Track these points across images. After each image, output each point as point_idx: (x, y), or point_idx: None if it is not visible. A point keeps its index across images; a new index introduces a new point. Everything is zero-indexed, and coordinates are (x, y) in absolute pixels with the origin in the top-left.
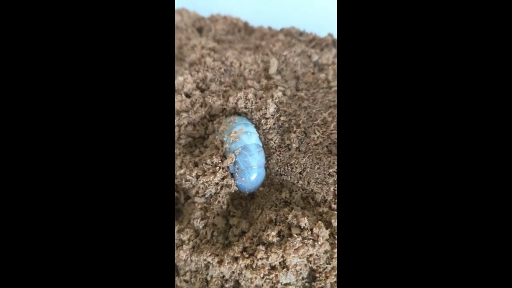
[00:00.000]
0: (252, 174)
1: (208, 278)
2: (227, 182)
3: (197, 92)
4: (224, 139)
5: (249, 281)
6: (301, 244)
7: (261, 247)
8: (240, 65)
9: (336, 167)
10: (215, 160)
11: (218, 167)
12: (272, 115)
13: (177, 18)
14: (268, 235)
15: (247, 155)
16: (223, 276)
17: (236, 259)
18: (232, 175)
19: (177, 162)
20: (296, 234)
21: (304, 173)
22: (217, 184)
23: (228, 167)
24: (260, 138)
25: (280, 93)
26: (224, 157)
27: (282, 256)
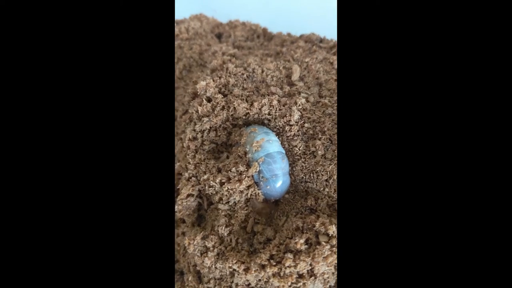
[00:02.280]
0: (277, 181)
1: (233, 286)
2: (254, 192)
3: (219, 96)
4: (247, 149)
5: None
6: (329, 252)
7: (289, 255)
8: (262, 71)
9: None
10: (241, 168)
11: (243, 175)
12: (296, 122)
13: (196, 24)
14: (296, 243)
15: (271, 163)
16: (249, 284)
17: (263, 266)
18: (257, 184)
19: (202, 167)
20: (324, 242)
21: (331, 181)
22: (241, 192)
23: (252, 176)
24: (283, 145)
25: (303, 100)
26: (248, 166)
27: (311, 264)
